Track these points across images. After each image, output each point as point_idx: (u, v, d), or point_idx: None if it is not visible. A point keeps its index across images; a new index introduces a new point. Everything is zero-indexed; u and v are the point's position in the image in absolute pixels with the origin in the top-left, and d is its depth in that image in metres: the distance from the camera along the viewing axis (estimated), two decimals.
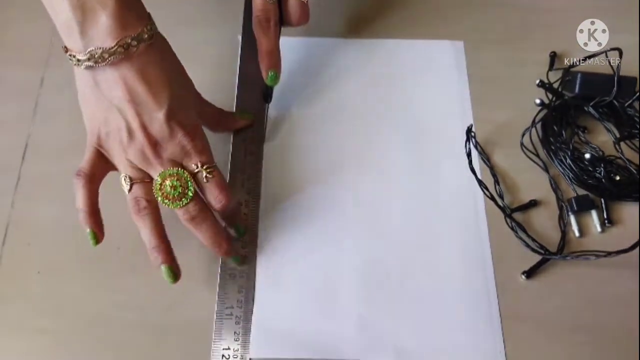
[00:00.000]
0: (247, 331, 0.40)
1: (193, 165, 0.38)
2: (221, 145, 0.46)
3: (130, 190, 0.38)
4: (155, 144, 0.37)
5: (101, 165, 0.39)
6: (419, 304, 0.41)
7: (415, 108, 0.49)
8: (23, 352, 0.39)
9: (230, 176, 0.45)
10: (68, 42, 0.36)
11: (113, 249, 0.42)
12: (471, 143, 0.45)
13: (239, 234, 0.43)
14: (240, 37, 0.51)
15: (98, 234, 0.38)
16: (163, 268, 0.38)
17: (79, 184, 0.38)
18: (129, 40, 0.34)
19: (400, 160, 0.47)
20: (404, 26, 0.53)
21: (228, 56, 0.50)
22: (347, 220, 0.44)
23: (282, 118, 0.49)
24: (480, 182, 0.44)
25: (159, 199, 0.37)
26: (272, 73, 0.44)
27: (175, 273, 0.38)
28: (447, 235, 0.44)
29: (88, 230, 0.38)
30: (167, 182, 0.37)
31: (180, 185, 0.37)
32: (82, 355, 0.39)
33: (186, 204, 0.37)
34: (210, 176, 0.38)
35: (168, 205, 0.37)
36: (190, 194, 0.37)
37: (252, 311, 0.40)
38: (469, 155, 0.44)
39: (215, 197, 0.38)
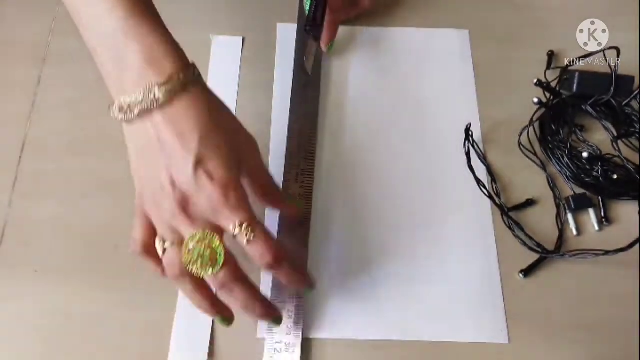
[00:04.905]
0: (299, 324, 0.40)
1: (230, 226, 0.33)
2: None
3: (163, 253, 0.35)
4: (184, 200, 0.33)
5: (150, 231, 0.35)
6: (425, 288, 0.42)
7: (421, 95, 0.49)
8: (21, 351, 0.39)
9: (285, 171, 0.45)
10: (112, 96, 0.35)
11: (111, 247, 0.42)
12: (469, 142, 0.45)
13: (306, 293, 0.41)
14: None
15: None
16: (217, 318, 0.36)
17: (140, 259, 0.36)
18: (157, 90, 0.33)
19: (407, 148, 0.47)
20: (405, 17, 0.53)
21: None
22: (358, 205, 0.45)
23: (286, 103, 0.49)
24: (478, 181, 0.44)
25: (187, 265, 0.33)
26: (332, 43, 0.50)
27: (229, 320, 0.36)
28: (452, 222, 0.44)
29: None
30: (195, 249, 0.33)
31: (210, 253, 0.33)
32: (80, 354, 0.39)
33: (215, 272, 0.33)
34: (251, 235, 0.33)
35: (195, 272, 0.33)
36: (220, 262, 0.33)
37: (304, 304, 0.41)
38: (467, 154, 0.44)
39: (260, 256, 0.34)
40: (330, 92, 0.50)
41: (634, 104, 0.48)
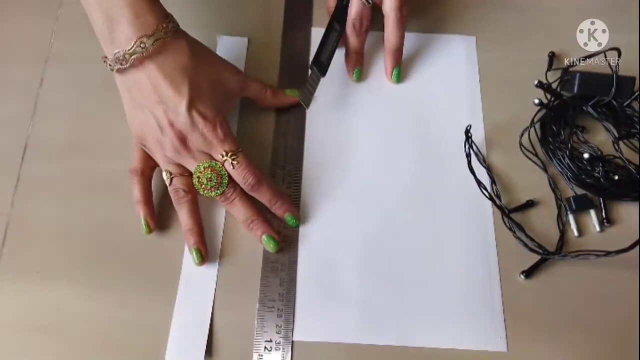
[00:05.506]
0: (289, 323, 0.40)
1: (219, 155, 0.41)
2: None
3: (170, 183, 0.42)
4: (183, 138, 0.40)
5: (148, 161, 0.43)
6: (423, 291, 0.41)
7: (426, 99, 0.49)
8: (22, 351, 0.39)
9: (270, 172, 0.46)
10: (105, 51, 0.40)
11: (111, 248, 0.42)
12: (469, 143, 0.45)
13: (292, 225, 0.43)
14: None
15: (150, 222, 0.42)
16: (193, 249, 0.41)
17: (133, 180, 0.43)
18: (145, 40, 0.38)
19: (410, 152, 0.47)
20: (410, 22, 0.52)
21: None
22: (354, 208, 0.44)
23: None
24: (479, 183, 0.44)
25: (200, 191, 0.41)
26: (358, 70, 0.49)
27: (202, 256, 0.41)
28: (452, 225, 0.44)
29: (142, 219, 0.42)
30: (204, 175, 0.41)
31: (216, 176, 0.41)
32: (82, 354, 0.39)
33: (223, 191, 0.41)
34: (235, 162, 0.41)
35: (207, 195, 0.41)
36: (225, 182, 0.41)
37: (294, 304, 0.41)
38: (467, 155, 0.45)
39: (243, 179, 0.41)
40: (333, 92, 0.49)
41: (635, 104, 0.48)
